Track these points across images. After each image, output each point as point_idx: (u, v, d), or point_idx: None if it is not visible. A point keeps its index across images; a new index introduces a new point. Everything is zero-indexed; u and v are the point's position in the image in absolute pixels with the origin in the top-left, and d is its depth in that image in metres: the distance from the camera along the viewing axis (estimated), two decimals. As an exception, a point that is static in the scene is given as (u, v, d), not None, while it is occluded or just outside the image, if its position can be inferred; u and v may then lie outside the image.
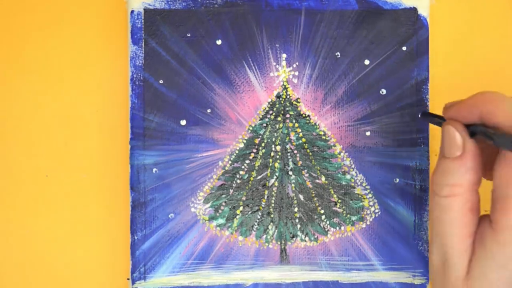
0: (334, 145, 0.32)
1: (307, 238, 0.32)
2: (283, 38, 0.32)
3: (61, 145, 0.33)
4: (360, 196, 0.32)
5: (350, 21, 0.32)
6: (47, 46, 0.33)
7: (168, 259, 0.31)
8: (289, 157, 0.32)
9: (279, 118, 0.32)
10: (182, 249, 0.32)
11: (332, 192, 0.32)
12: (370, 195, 0.32)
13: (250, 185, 0.32)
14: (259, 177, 0.32)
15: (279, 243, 0.32)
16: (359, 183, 0.32)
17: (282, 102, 0.32)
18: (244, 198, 0.32)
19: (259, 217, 0.32)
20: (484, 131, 0.25)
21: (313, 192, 0.32)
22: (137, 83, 0.31)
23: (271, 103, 0.32)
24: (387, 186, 0.32)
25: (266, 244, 0.32)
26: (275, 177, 0.32)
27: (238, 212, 0.32)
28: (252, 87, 0.32)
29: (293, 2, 0.32)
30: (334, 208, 0.32)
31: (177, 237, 0.31)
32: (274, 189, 0.32)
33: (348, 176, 0.32)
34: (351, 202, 0.32)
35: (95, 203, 0.33)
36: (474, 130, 0.25)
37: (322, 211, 0.32)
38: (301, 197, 0.32)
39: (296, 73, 0.32)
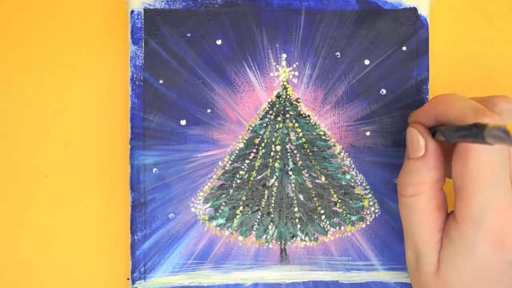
0: (334, 145, 0.32)
1: (307, 238, 0.32)
2: (283, 38, 0.32)
3: (61, 145, 0.33)
4: (360, 196, 0.32)
5: (350, 21, 0.32)
6: (47, 46, 0.33)
7: (168, 259, 0.31)
8: (289, 157, 0.32)
9: (279, 118, 0.32)
10: (182, 249, 0.32)
11: (332, 192, 0.32)
12: (370, 195, 0.32)
13: (250, 185, 0.32)
14: (259, 177, 0.32)
15: (279, 243, 0.32)
16: (359, 183, 0.32)
17: (282, 102, 0.32)
18: (244, 198, 0.32)
19: (259, 217, 0.32)
20: (438, 129, 0.26)
21: (313, 192, 0.32)
22: (137, 83, 0.31)
23: (271, 103, 0.32)
24: (387, 186, 0.32)
25: (266, 244, 0.32)
26: (275, 177, 0.32)
27: (238, 212, 0.32)
28: (252, 87, 0.32)
29: (293, 2, 0.32)
30: (334, 208, 0.32)
31: (177, 237, 0.31)
32: (274, 189, 0.32)
33: (348, 176, 0.32)
34: (351, 202, 0.32)
35: (95, 203, 0.33)
36: (434, 131, 0.27)
37: (322, 211, 0.32)
38: (301, 197, 0.32)
39: (296, 73, 0.32)
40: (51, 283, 0.33)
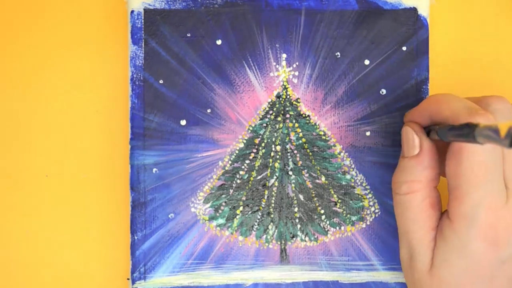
0: (334, 145, 0.32)
1: (307, 238, 0.32)
2: (283, 38, 0.32)
3: (61, 145, 0.33)
4: (360, 196, 0.32)
5: (350, 21, 0.32)
6: (47, 46, 0.33)
7: (168, 259, 0.31)
8: (289, 157, 0.32)
9: (279, 118, 0.32)
10: (182, 249, 0.32)
11: (332, 192, 0.32)
12: (370, 195, 0.32)
13: (250, 185, 0.32)
14: (259, 177, 0.32)
15: (279, 243, 0.32)
16: (359, 183, 0.32)
17: (282, 102, 0.32)
18: (244, 198, 0.32)
19: (259, 217, 0.32)
20: (432, 128, 0.27)
21: (313, 192, 0.32)
22: (137, 83, 0.31)
23: (271, 103, 0.32)
24: (387, 186, 0.32)
25: (266, 244, 0.32)
26: (275, 177, 0.32)
27: (238, 212, 0.32)
28: (252, 87, 0.32)
29: (293, 2, 0.32)
30: (334, 208, 0.32)
31: (177, 237, 0.31)
32: (274, 189, 0.32)
33: (348, 176, 0.32)
34: (351, 202, 0.32)
35: (95, 203, 0.33)
36: (429, 130, 0.27)
37: (322, 211, 0.32)
38: (301, 197, 0.32)
39: (296, 73, 0.32)
40: (51, 283, 0.33)
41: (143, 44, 0.31)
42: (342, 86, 0.32)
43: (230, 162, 0.32)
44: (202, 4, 0.32)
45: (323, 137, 0.32)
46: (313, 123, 0.32)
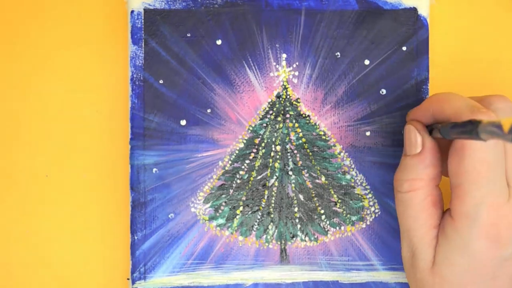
0: (334, 145, 0.32)
1: (307, 238, 0.32)
2: (283, 38, 0.32)
3: (61, 145, 0.33)
4: (360, 196, 0.32)
5: (350, 21, 0.32)
6: (47, 45, 0.33)
7: (168, 259, 0.31)
8: (289, 157, 0.32)
9: (279, 118, 0.32)
10: (182, 249, 0.32)
11: (332, 192, 0.32)
12: (370, 195, 0.32)
13: (250, 185, 0.32)
14: (259, 177, 0.32)
15: (279, 243, 0.32)
16: (359, 183, 0.32)
17: (282, 102, 0.32)
18: (244, 198, 0.32)
19: (259, 217, 0.32)
20: (435, 127, 0.27)
21: (313, 192, 0.32)
22: (137, 83, 0.31)
23: (271, 103, 0.32)
24: (387, 186, 0.32)
25: (266, 244, 0.32)
26: (275, 177, 0.32)
27: (238, 212, 0.32)
28: (252, 87, 0.32)
29: (293, 2, 0.32)
30: (334, 208, 0.32)
31: (177, 237, 0.31)
32: (274, 189, 0.32)
33: (348, 176, 0.32)
34: (351, 202, 0.32)
35: (95, 203, 0.33)
36: (431, 128, 0.27)
37: (322, 211, 0.32)
38: (301, 197, 0.32)
39: (296, 73, 0.32)
40: (51, 283, 0.33)
41: (143, 44, 0.31)
42: (342, 86, 0.32)
43: (230, 162, 0.32)
44: (202, 4, 0.32)
45: (323, 137, 0.32)
46: (313, 123, 0.32)
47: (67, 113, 0.33)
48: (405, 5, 0.32)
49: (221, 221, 0.32)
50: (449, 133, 0.25)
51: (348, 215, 0.32)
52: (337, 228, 0.32)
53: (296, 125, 0.32)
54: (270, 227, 0.32)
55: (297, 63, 0.32)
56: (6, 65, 0.33)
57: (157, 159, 0.31)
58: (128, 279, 0.32)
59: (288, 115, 0.32)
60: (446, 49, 0.34)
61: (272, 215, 0.32)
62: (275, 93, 0.32)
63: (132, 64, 0.31)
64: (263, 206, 0.32)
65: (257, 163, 0.32)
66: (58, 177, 0.33)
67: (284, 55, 0.32)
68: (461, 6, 0.34)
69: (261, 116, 0.32)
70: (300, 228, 0.32)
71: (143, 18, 0.31)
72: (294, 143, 0.32)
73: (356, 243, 0.32)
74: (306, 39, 0.32)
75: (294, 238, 0.32)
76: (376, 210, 0.32)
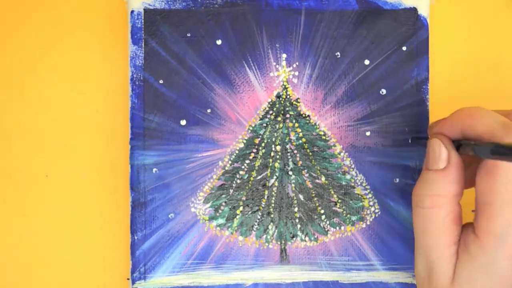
0: (334, 145, 0.32)
1: (307, 238, 0.32)
2: (283, 38, 0.32)
3: (61, 145, 0.33)
4: (360, 196, 0.32)
5: (350, 21, 0.32)
6: (47, 46, 0.33)
7: (168, 259, 0.31)
8: (289, 157, 0.32)
9: (279, 118, 0.32)
10: (182, 249, 0.32)
11: (332, 192, 0.32)
12: (370, 195, 0.32)
13: (250, 185, 0.32)
14: (259, 177, 0.32)
15: (279, 243, 0.32)
16: (359, 183, 0.32)
17: (282, 102, 0.32)
18: (244, 198, 0.32)
19: (259, 217, 0.32)
20: (466, 143, 0.26)
21: (313, 192, 0.32)
22: (137, 83, 0.31)
23: (271, 103, 0.32)
24: (387, 186, 0.32)
25: (266, 244, 0.32)
26: (275, 177, 0.32)
27: (238, 212, 0.32)
28: (252, 87, 0.32)
29: (293, 2, 0.32)
30: (334, 208, 0.32)
31: (177, 237, 0.31)
32: (274, 189, 0.32)
33: (348, 176, 0.32)
34: (351, 202, 0.32)
35: (95, 203, 0.33)
36: (458, 144, 0.27)
37: (322, 211, 0.32)
38: (301, 197, 0.32)
39: (296, 73, 0.32)
40: (51, 283, 0.33)
41: (143, 44, 0.31)
42: (342, 86, 0.32)
43: (230, 162, 0.32)
44: (202, 4, 0.32)
45: (323, 137, 0.32)
46: (313, 123, 0.32)
47: (67, 113, 0.33)
48: (405, 5, 0.32)
49: (221, 221, 0.32)
50: (489, 154, 0.23)
51: (348, 215, 0.32)
52: (337, 228, 0.32)
53: (296, 125, 0.32)
54: (270, 227, 0.32)
55: (297, 63, 0.32)
56: (6, 65, 0.33)
57: (157, 159, 0.31)
58: (128, 279, 0.32)
59: (288, 115, 0.32)
60: (446, 49, 0.34)
61: (272, 215, 0.32)
62: (275, 93, 0.32)
63: (132, 64, 0.31)
64: (263, 206, 0.32)
65: (257, 163, 0.32)
66: (58, 177, 0.33)
67: (284, 55, 0.32)
68: (461, 6, 0.34)
69: (261, 116, 0.32)
70: (300, 228, 0.32)
71: (143, 18, 0.31)
72: (294, 143, 0.32)
73: (356, 243, 0.32)
74: (306, 39, 0.32)
75: (294, 238, 0.32)
76: (376, 210, 0.32)
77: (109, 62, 0.33)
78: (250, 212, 0.32)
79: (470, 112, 0.26)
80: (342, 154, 0.32)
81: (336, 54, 0.32)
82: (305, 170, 0.32)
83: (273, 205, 0.32)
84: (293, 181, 0.32)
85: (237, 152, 0.32)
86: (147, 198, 0.31)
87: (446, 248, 0.27)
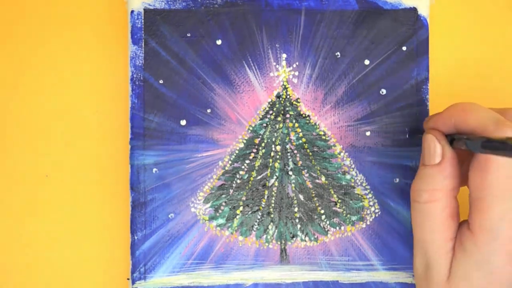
0: (334, 145, 0.32)
1: (307, 238, 0.32)
2: (283, 38, 0.32)
3: (61, 145, 0.33)
4: (360, 196, 0.32)
5: (350, 21, 0.32)
6: (47, 46, 0.33)
7: (168, 259, 0.31)
8: (289, 157, 0.32)
9: (279, 118, 0.32)
10: (182, 249, 0.32)
11: (332, 192, 0.32)
12: (370, 195, 0.32)
13: (250, 185, 0.32)
14: (259, 177, 0.32)
15: (279, 243, 0.32)
16: (359, 183, 0.32)
17: (282, 102, 0.32)
18: (244, 198, 0.32)
19: (259, 217, 0.32)
20: (458, 138, 0.26)
21: (313, 192, 0.32)
22: (137, 83, 0.31)
23: (271, 103, 0.32)
24: (387, 186, 0.32)
25: (266, 244, 0.32)
26: (275, 177, 0.32)
27: (238, 212, 0.32)
28: (252, 87, 0.32)
29: (293, 2, 0.32)
30: (334, 208, 0.32)
31: (177, 237, 0.31)
32: (274, 189, 0.32)
33: (348, 176, 0.32)
34: (351, 202, 0.32)
35: (95, 203, 0.33)
36: (452, 138, 0.27)
37: (322, 211, 0.32)
38: (301, 197, 0.32)
39: (296, 73, 0.32)
40: (51, 283, 0.33)
41: (143, 44, 0.31)
42: (342, 86, 0.32)
43: (230, 162, 0.32)
44: (202, 4, 0.32)
45: (323, 137, 0.32)
46: (313, 123, 0.32)
47: (67, 113, 0.33)
48: (405, 5, 0.32)
49: (221, 221, 0.32)
50: (480, 148, 0.24)
51: (348, 215, 0.32)
52: (337, 228, 0.32)
53: (296, 125, 0.32)
54: (270, 227, 0.32)
55: (297, 63, 0.32)
56: (6, 65, 0.33)
57: (157, 159, 0.31)
58: (128, 279, 0.32)
59: (288, 115, 0.32)
60: (446, 49, 0.34)
61: (272, 215, 0.32)
62: (275, 93, 0.32)
63: (132, 64, 0.31)
64: (263, 206, 0.32)
65: (257, 163, 0.32)
66: (58, 177, 0.33)
67: (284, 55, 0.32)
68: (461, 6, 0.34)
69: (261, 116, 0.32)
70: (300, 228, 0.32)
71: (143, 18, 0.31)
72: (294, 143, 0.32)
73: (356, 243, 0.32)
74: (306, 39, 0.32)
75: (294, 238, 0.32)
76: (376, 210, 0.32)
77: (109, 62, 0.33)
78: (250, 212, 0.32)
79: (464, 107, 0.27)
80: (342, 154, 0.32)
81: (336, 54, 0.32)
82: (305, 170, 0.32)
83: (273, 205, 0.32)
84: (293, 181, 0.32)
85: (237, 152, 0.32)
86: (147, 198, 0.31)
87: (443, 243, 0.27)
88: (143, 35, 0.31)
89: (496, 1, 0.34)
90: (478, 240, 0.26)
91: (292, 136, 0.32)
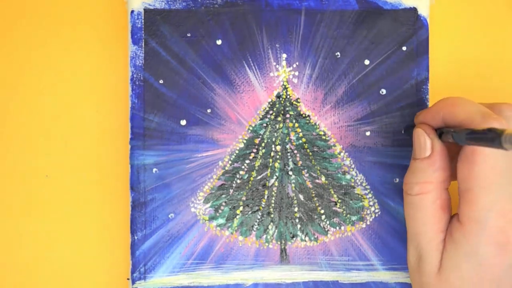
0: (334, 145, 0.32)
1: (307, 238, 0.32)
2: (283, 38, 0.32)
3: (61, 145, 0.33)
4: (360, 196, 0.32)
5: (350, 21, 0.32)
6: (47, 46, 0.33)
7: (168, 259, 0.31)
8: (289, 157, 0.32)
9: (279, 118, 0.32)
10: (182, 249, 0.32)
11: (332, 192, 0.32)
12: (370, 195, 0.32)
13: (250, 185, 0.32)
14: (259, 177, 0.32)
15: (279, 243, 0.32)
16: (359, 183, 0.32)
17: (282, 102, 0.32)
18: (244, 198, 0.32)
19: (259, 217, 0.32)
20: (447, 131, 0.27)
21: (313, 192, 0.32)
22: (137, 83, 0.31)
23: (271, 103, 0.32)
24: (387, 186, 0.32)
25: (266, 244, 0.32)
26: (275, 177, 0.32)
27: (238, 212, 0.32)
28: (252, 87, 0.32)
29: (293, 2, 0.32)
30: (334, 208, 0.32)
31: (177, 237, 0.31)
32: (274, 189, 0.32)
33: (348, 176, 0.32)
34: (351, 202, 0.32)
35: (95, 203, 0.33)
36: (441, 132, 0.27)
37: (322, 211, 0.32)
38: (301, 197, 0.32)
39: (296, 73, 0.32)
40: (51, 283, 0.33)
41: (143, 44, 0.31)
42: (342, 86, 0.32)
43: (230, 162, 0.32)
44: (202, 4, 0.32)
45: (323, 137, 0.32)
46: (313, 123, 0.32)
47: (67, 113, 0.33)
48: (405, 5, 0.32)
49: (221, 221, 0.32)
50: (465, 139, 0.24)
51: (348, 215, 0.32)
52: (337, 228, 0.32)
53: (296, 125, 0.32)
54: (270, 227, 0.32)
55: (297, 63, 0.32)
56: (6, 65, 0.33)
57: (157, 159, 0.31)
58: (128, 279, 0.32)
59: (288, 115, 0.32)
60: (446, 49, 0.34)
61: (272, 215, 0.32)
62: (275, 93, 0.32)
63: (132, 64, 0.31)
64: (263, 206, 0.32)
65: (257, 163, 0.32)
66: (58, 177, 0.33)
67: (284, 55, 0.32)
68: (461, 6, 0.34)
69: (261, 116, 0.32)
70: (300, 228, 0.32)
71: (143, 18, 0.31)
72: (294, 143, 0.32)
73: (356, 243, 0.32)
74: (306, 39, 0.32)
75: (294, 238, 0.32)
76: (376, 210, 0.32)
77: (109, 62, 0.33)
78: (250, 212, 0.32)
79: (452, 101, 0.27)
80: (342, 154, 0.32)
81: (336, 54, 0.32)
82: (305, 170, 0.32)
83: (273, 205, 0.32)
84: (293, 181, 0.32)
85: (237, 152, 0.32)
86: (147, 198, 0.31)
87: (434, 235, 0.27)
88: (143, 35, 0.31)
89: (496, 1, 0.34)
90: (466, 231, 0.26)
91: (292, 136, 0.32)
